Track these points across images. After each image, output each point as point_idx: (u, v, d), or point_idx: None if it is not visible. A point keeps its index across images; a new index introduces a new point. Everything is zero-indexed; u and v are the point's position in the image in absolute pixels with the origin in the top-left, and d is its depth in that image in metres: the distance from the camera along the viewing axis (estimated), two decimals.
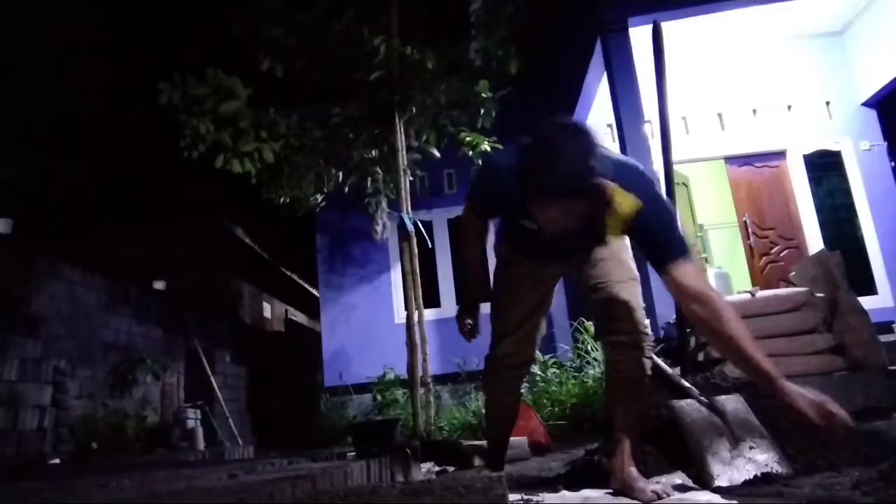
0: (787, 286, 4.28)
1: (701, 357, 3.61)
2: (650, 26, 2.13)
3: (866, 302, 3.99)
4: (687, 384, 2.06)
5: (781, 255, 6.71)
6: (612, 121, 5.45)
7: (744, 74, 6.92)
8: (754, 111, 6.89)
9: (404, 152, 4.80)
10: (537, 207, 1.61)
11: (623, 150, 5.02)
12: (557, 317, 6.94)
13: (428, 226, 7.23)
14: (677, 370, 2.27)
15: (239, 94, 4.78)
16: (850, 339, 3.53)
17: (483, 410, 4.97)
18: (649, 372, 1.88)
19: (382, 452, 2.44)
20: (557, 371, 4.98)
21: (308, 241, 7.94)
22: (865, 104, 6.74)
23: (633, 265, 1.97)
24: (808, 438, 1.89)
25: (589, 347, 4.96)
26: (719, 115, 6.92)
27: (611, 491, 1.79)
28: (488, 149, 5.11)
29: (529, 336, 2.08)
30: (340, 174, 5.49)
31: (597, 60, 5.51)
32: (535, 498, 1.79)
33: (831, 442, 1.74)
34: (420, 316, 4.34)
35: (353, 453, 3.35)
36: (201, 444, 6.59)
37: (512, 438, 3.06)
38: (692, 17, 5.43)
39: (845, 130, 6.75)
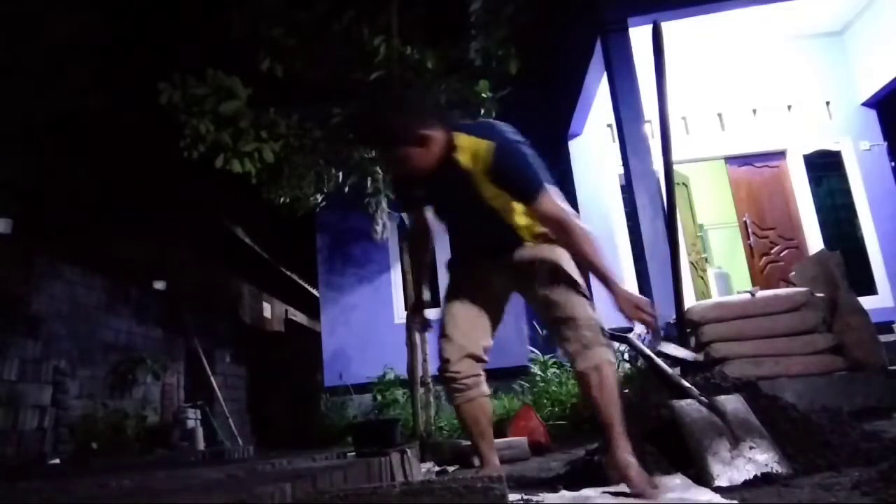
0: (787, 286, 4.28)
1: (701, 357, 3.61)
2: (650, 26, 2.13)
3: (866, 302, 3.99)
4: (687, 384, 2.06)
5: (781, 255, 6.71)
6: (612, 121, 5.45)
7: (744, 74, 6.93)
8: (754, 111, 6.90)
9: None
10: (384, 162, 2.14)
11: (623, 150, 5.03)
12: None
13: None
14: (677, 370, 2.27)
15: (239, 94, 4.78)
16: (850, 339, 3.53)
17: None
18: (612, 363, 2.02)
19: (382, 452, 2.44)
20: (557, 371, 4.98)
21: (308, 241, 7.94)
22: (865, 104, 6.74)
23: (579, 279, 2.13)
24: (808, 438, 1.89)
25: None
26: (719, 115, 6.92)
27: (610, 490, 1.79)
28: None
29: (467, 348, 2.16)
30: (340, 174, 5.49)
31: (597, 60, 5.51)
32: (535, 498, 1.79)
33: (647, 324, 2.01)
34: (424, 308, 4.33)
35: (353, 453, 3.35)
36: (201, 444, 6.58)
37: (512, 438, 3.09)
38: (692, 17, 5.43)
39: (845, 130, 6.75)
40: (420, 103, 2.01)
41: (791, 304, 3.57)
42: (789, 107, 6.85)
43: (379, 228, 5.81)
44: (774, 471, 1.70)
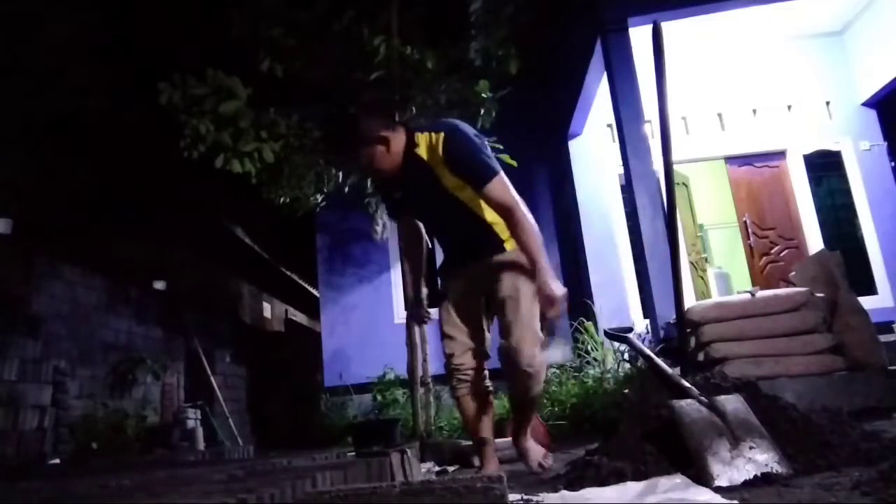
0: (787, 286, 4.28)
1: (701, 357, 3.61)
2: (650, 26, 2.13)
3: (866, 302, 3.99)
4: (687, 384, 2.06)
5: (781, 255, 6.71)
6: (612, 121, 5.45)
7: (744, 74, 6.93)
8: (754, 111, 6.90)
9: None
10: (353, 164, 2.33)
11: (623, 149, 5.02)
12: None
13: None
14: (677, 370, 2.27)
15: (239, 94, 4.77)
16: (850, 339, 3.53)
17: None
18: (535, 371, 2.25)
19: (382, 452, 2.44)
20: (557, 371, 4.98)
21: (308, 241, 7.94)
22: (865, 104, 6.75)
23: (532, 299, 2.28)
24: (808, 438, 1.89)
25: (589, 347, 4.96)
26: (719, 115, 6.93)
27: (610, 490, 1.79)
28: None
29: (469, 342, 2.39)
30: (340, 174, 5.49)
31: (597, 60, 5.51)
32: (535, 498, 1.79)
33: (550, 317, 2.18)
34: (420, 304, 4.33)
35: (353, 453, 3.35)
36: (201, 445, 6.58)
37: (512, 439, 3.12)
38: (692, 17, 5.43)
39: (845, 130, 6.75)
40: (378, 108, 2.27)
41: (791, 304, 3.57)
42: (789, 107, 6.85)
43: (379, 228, 5.81)
44: (774, 471, 1.70)
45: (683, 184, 6.74)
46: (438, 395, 5.33)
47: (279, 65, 4.89)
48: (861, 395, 3.27)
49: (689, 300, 5.05)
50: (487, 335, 2.47)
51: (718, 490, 1.64)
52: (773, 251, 6.75)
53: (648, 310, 4.80)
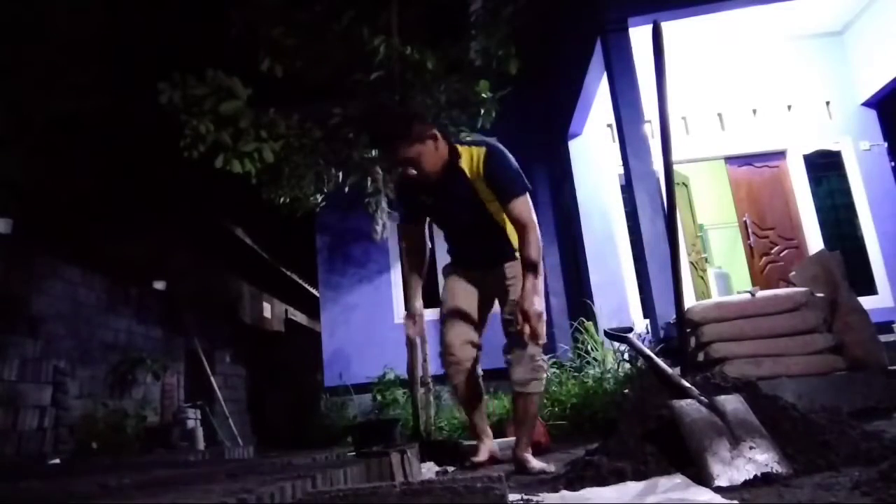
0: (787, 286, 4.28)
1: (701, 357, 3.61)
2: (650, 26, 2.13)
3: (866, 302, 3.99)
4: (687, 384, 2.06)
5: (781, 255, 6.71)
6: (612, 121, 5.45)
7: (744, 74, 6.93)
8: (754, 111, 6.90)
9: None
10: (394, 163, 2.28)
11: (623, 149, 5.03)
12: (557, 317, 6.94)
13: (428, 225, 7.22)
14: (677, 370, 2.27)
15: (239, 94, 4.78)
16: (850, 339, 3.53)
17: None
18: (544, 383, 2.51)
19: (382, 452, 2.45)
20: (557, 371, 4.98)
21: (308, 241, 7.94)
22: (865, 104, 6.75)
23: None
24: (808, 438, 1.89)
25: (589, 347, 4.96)
26: (719, 115, 6.93)
27: (610, 490, 1.79)
28: None
29: (463, 336, 2.56)
30: (340, 174, 5.49)
31: (597, 60, 5.51)
32: (535, 498, 1.79)
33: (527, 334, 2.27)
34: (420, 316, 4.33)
35: (353, 453, 3.35)
36: (201, 444, 6.58)
37: (512, 438, 3.16)
38: (692, 17, 5.43)
39: (845, 130, 6.76)
40: (424, 110, 2.26)
41: (791, 304, 3.57)
42: (789, 107, 6.85)
43: (379, 228, 5.81)
44: (774, 471, 1.69)
45: (683, 184, 6.74)
46: (438, 395, 5.33)
47: (279, 65, 4.89)
48: (861, 395, 3.27)
49: (689, 300, 5.05)
50: (481, 332, 2.66)
51: (718, 490, 1.64)
52: (773, 251, 6.75)
53: (648, 310, 4.80)
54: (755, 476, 1.68)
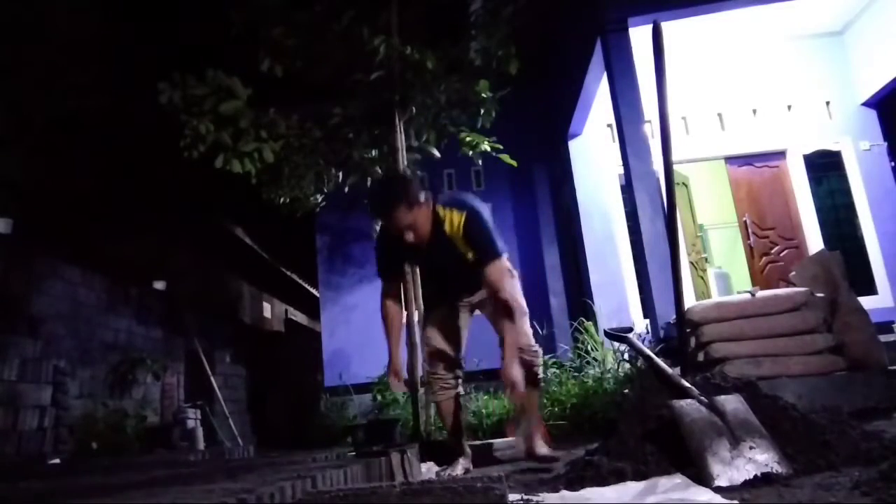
0: (787, 286, 4.28)
1: (701, 357, 3.61)
2: (650, 26, 2.13)
3: (866, 302, 3.99)
4: (687, 384, 2.06)
5: (781, 255, 6.71)
6: (612, 121, 5.45)
7: (744, 74, 6.93)
8: (754, 111, 6.90)
9: (404, 152, 4.80)
10: (392, 228, 2.49)
11: (623, 149, 5.03)
12: (558, 317, 6.94)
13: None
14: (677, 370, 2.27)
15: (239, 94, 4.77)
16: (850, 339, 3.53)
17: (481, 410, 5.01)
18: (540, 375, 2.79)
19: (383, 452, 2.45)
20: (557, 371, 4.98)
21: (308, 241, 7.94)
22: (865, 104, 6.75)
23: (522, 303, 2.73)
24: (808, 438, 1.89)
25: (589, 347, 4.96)
26: (719, 115, 6.93)
27: (610, 490, 1.79)
28: (488, 149, 5.10)
29: (448, 356, 2.82)
30: (340, 174, 5.49)
31: (597, 60, 5.51)
32: (535, 498, 1.79)
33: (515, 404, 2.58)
34: (420, 316, 4.33)
35: (353, 453, 3.35)
36: (201, 445, 6.58)
37: (512, 438, 3.22)
38: (692, 17, 5.43)
39: (845, 130, 6.75)
40: (415, 181, 2.61)
41: (791, 304, 3.57)
42: (789, 107, 6.85)
43: (379, 228, 5.80)
44: (774, 471, 1.70)
45: (683, 184, 6.74)
46: None
47: (279, 65, 4.88)
48: (861, 395, 3.27)
49: (689, 300, 5.05)
50: (462, 352, 2.91)
51: (718, 490, 1.64)
52: (773, 251, 6.75)
53: (648, 310, 4.80)
54: (755, 476, 1.68)
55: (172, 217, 8.02)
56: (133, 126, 6.23)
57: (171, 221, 8.04)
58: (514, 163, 5.16)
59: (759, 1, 5.42)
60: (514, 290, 2.60)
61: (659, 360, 2.21)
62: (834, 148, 6.77)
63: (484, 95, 4.94)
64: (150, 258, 7.72)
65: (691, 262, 6.37)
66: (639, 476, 1.85)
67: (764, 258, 6.73)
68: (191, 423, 6.65)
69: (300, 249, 8.88)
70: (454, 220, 2.56)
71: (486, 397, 5.22)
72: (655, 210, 4.76)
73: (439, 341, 2.85)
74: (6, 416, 4.75)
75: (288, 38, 4.84)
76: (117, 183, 6.96)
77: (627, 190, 5.06)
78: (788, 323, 3.54)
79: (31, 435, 4.96)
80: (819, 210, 6.70)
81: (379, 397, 6.54)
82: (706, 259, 6.86)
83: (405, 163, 4.77)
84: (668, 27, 2.49)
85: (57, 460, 4.80)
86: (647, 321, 4.81)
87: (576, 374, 4.89)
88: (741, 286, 5.94)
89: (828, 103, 6.83)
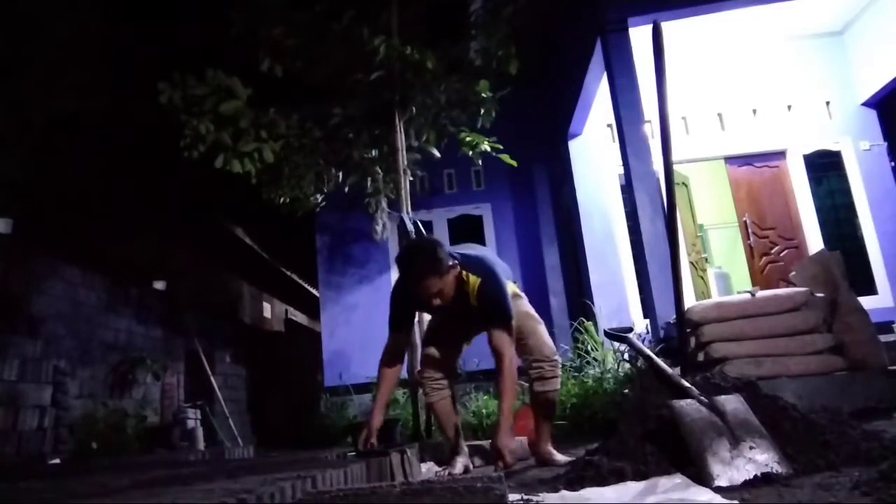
0: (787, 286, 4.28)
1: (701, 357, 3.61)
2: (650, 26, 2.13)
3: (866, 302, 3.99)
4: (687, 384, 2.06)
5: (781, 255, 6.71)
6: (612, 121, 5.45)
7: (744, 74, 6.93)
8: (754, 111, 6.90)
9: (404, 152, 4.81)
10: (421, 297, 2.56)
11: (623, 149, 5.03)
12: (558, 317, 6.94)
13: (428, 226, 7.23)
14: (677, 370, 2.27)
15: (239, 94, 4.78)
16: (850, 339, 3.53)
17: (481, 410, 5.02)
18: (558, 386, 2.95)
19: (383, 452, 2.45)
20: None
21: (308, 241, 7.94)
22: (865, 104, 6.75)
23: (536, 315, 2.92)
24: (808, 438, 1.89)
25: (589, 347, 4.96)
26: (719, 115, 6.93)
27: (610, 490, 1.79)
28: (488, 149, 5.11)
29: (443, 369, 2.88)
30: (340, 174, 5.49)
31: (597, 60, 5.51)
32: (535, 498, 1.79)
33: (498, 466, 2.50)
34: (420, 316, 4.33)
35: (353, 453, 3.34)
36: (201, 444, 6.58)
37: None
38: (692, 17, 5.43)
39: (845, 130, 6.75)
40: (442, 246, 2.61)
41: (791, 304, 3.57)
42: (789, 107, 6.85)
43: (379, 228, 5.81)
44: (774, 471, 1.69)
45: (683, 184, 6.74)
46: None
47: (279, 65, 4.89)
48: (861, 395, 3.27)
49: (689, 300, 5.05)
50: (458, 360, 3.01)
51: (718, 490, 1.63)
52: (773, 251, 6.75)
53: (648, 310, 4.80)
54: (755, 476, 1.68)
55: (172, 217, 8.02)
56: (133, 126, 6.23)
57: (171, 221, 8.04)
58: (514, 163, 5.16)
59: (759, 1, 5.42)
60: (514, 351, 2.67)
61: (659, 360, 2.21)
62: (834, 148, 6.77)
63: (484, 95, 4.95)
64: (150, 258, 7.72)
65: (691, 262, 6.38)
66: (639, 476, 1.85)
67: (764, 258, 6.73)
68: (191, 423, 6.65)
69: (300, 249, 8.88)
70: (472, 283, 2.65)
71: (486, 397, 5.22)
72: (655, 210, 4.76)
73: (432, 350, 2.90)
74: (6, 416, 4.75)
75: (288, 38, 4.85)
76: (117, 183, 6.96)
77: (627, 190, 5.06)
78: (788, 323, 3.54)
79: (31, 435, 4.95)
80: (819, 210, 6.70)
81: None
82: (706, 259, 6.86)
83: (405, 163, 4.77)
84: (668, 27, 2.49)
85: (57, 460, 4.80)
86: (647, 321, 4.81)
87: (576, 374, 4.89)
88: (741, 286, 5.94)
89: (828, 103, 6.83)
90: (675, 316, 2.78)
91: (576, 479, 1.92)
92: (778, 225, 6.80)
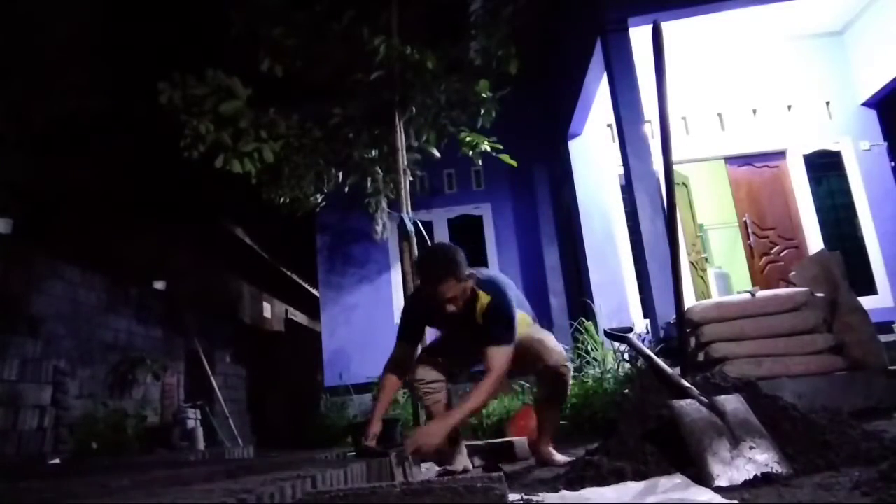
0: (787, 286, 4.28)
1: (701, 357, 3.61)
2: (650, 26, 2.13)
3: (866, 302, 3.99)
4: (687, 384, 2.06)
5: (781, 255, 6.71)
6: (612, 121, 5.45)
7: (744, 74, 6.93)
8: (754, 111, 6.90)
9: (404, 152, 4.80)
10: (436, 299, 2.54)
11: (623, 149, 5.03)
12: (558, 317, 6.94)
13: (428, 226, 7.23)
14: (677, 370, 2.27)
15: (239, 94, 4.77)
16: (850, 339, 3.53)
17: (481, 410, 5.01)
18: (570, 383, 2.99)
19: (383, 452, 2.45)
20: None
21: (308, 241, 7.94)
22: (865, 104, 6.75)
23: (540, 329, 2.98)
24: (808, 438, 1.89)
25: (589, 347, 4.96)
26: (719, 115, 6.93)
27: (607, 490, 1.79)
28: (488, 149, 5.10)
29: (437, 369, 2.85)
30: (340, 174, 5.49)
31: (597, 60, 5.51)
32: (535, 498, 1.79)
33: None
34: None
35: (353, 453, 3.35)
36: (201, 445, 6.58)
37: (512, 438, 3.22)
38: (692, 17, 5.43)
39: (845, 130, 6.76)
40: (461, 252, 2.62)
41: (791, 304, 3.57)
42: (789, 107, 6.85)
43: (379, 228, 5.81)
44: (774, 471, 1.69)
45: (683, 184, 6.74)
46: None
47: (279, 65, 4.88)
48: (861, 395, 3.27)
49: (689, 300, 5.05)
50: (451, 370, 2.95)
51: (718, 490, 1.63)
52: (773, 251, 6.75)
53: (648, 310, 4.80)
54: (755, 476, 1.68)
55: (172, 217, 8.02)
56: (133, 126, 6.24)
57: (171, 221, 8.04)
58: (514, 163, 5.15)
59: (759, 1, 5.42)
60: (504, 372, 2.67)
61: (659, 360, 2.21)
62: (834, 148, 6.77)
63: (484, 95, 4.94)
64: (150, 258, 7.72)
65: (691, 262, 6.38)
66: (639, 476, 1.85)
67: (764, 258, 6.73)
68: (191, 423, 6.65)
69: (300, 249, 8.88)
70: (482, 299, 2.67)
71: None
72: (655, 210, 4.76)
73: (426, 356, 2.91)
74: (6, 416, 4.75)
75: (288, 38, 4.84)
76: (117, 183, 6.96)
77: (627, 190, 5.06)
78: (788, 323, 3.54)
79: (31, 435, 4.95)
80: (819, 210, 6.70)
81: None
82: (706, 259, 6.86)
83: (405, 163, 4.77)
84: (668, 27, 2.49)
85: (57, 460, 4.80)
86: (647, 321, 4.81)
87: (576, 374, 4.89)
88: (741, 286, 5.94)
89: (828, 103, 6.83)
90: (675, 316, 2.78)
91: (576, 479, 1.92)
92: (778, 225, 6.80)
